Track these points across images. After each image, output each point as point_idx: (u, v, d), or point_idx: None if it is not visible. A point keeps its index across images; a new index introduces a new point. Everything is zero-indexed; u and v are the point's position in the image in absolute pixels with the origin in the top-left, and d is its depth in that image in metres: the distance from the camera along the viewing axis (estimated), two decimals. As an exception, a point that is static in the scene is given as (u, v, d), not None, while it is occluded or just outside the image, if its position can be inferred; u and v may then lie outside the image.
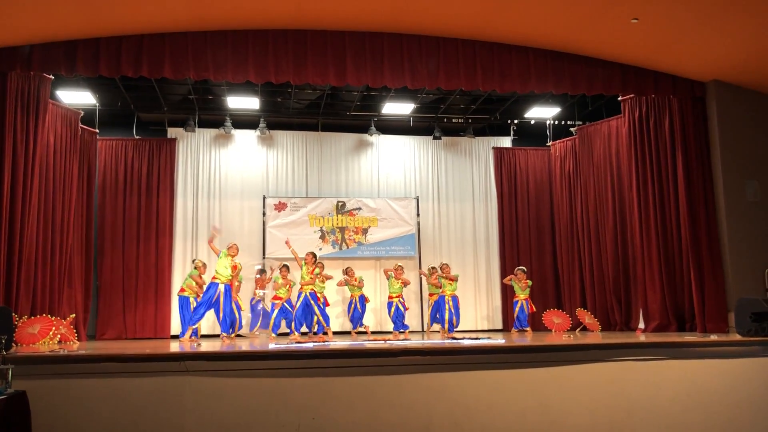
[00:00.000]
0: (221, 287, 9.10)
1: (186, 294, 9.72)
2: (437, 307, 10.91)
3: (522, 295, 11.10)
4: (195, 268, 9.89)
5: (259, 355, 6.36)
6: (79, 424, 5.62)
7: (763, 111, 9.65)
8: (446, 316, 10.60)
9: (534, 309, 11.21)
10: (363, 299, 10.91)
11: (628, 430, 6.37)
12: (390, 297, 10.82)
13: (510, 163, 12.93)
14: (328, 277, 10.74)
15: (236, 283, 9.91)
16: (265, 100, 11.65)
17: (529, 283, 11.20)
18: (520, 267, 11.48)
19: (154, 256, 11.31)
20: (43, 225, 9.28)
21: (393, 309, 10.71)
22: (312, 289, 9.81)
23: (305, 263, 9.88)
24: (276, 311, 10.08)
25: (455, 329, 10.70)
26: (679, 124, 9.66)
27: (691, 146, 9.57)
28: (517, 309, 11.08)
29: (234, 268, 9.33)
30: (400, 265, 11.06)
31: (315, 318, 9.81)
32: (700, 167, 9.52)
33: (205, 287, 9.41)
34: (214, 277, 9.18)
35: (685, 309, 9.61)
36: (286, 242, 10.24)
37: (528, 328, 10.99)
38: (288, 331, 9.95)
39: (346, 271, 11.00)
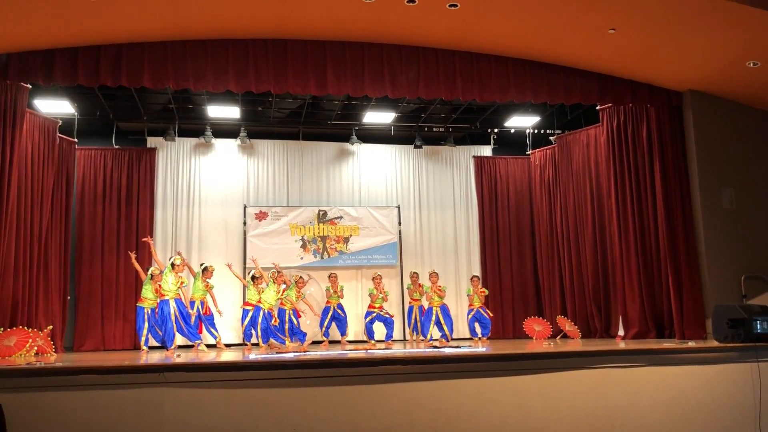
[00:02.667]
0: (172, 303, 9.26)
1: (143, 305, 9.51)
2: (418, 315, 10.90)
3: (476, 303, 10.99)
4: (151, 276, 9.49)
5: (238, 366, 6.32)
6: (56, 438, 5.55)
7: (738, 120, 9.81)
8: (445, 328, 10.54)
9: (491, 315, 11.13)
10: (342, 307, 10.88)
11: (608, 437, 6.42)
12: (371, 306, 10.80)
13: (490, 172, 13.00)
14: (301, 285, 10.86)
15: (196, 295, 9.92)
16: (246, 109, 11.63)
17: (486, 291, 11.13)
18: (475, 274, 11.51)
19: (133, 266, 11.18)
20: (20, 236, 9.16)
21: (370, 318, 10.71)
22: (270, 308, 9.96)
23: (273, 282, 9.97)
24: (247, 320, 10.02)
25: (451, 338, 10.66)
26: (657, 133, 9.79)
27: (668, 155, 9.71)
28: (469, 317, 11.01)
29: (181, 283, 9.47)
30: (378, 274, 11.04)
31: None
32: (677, 175, 9.65)
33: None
34: (162, 295, 9.26)
35: (663, 316, 9.71)
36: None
37: (476, 338, 10.92)
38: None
39: (329, 278, 10.99)
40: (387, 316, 10.73)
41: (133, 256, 9.85)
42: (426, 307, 10.88)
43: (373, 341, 10.53)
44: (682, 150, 9.77)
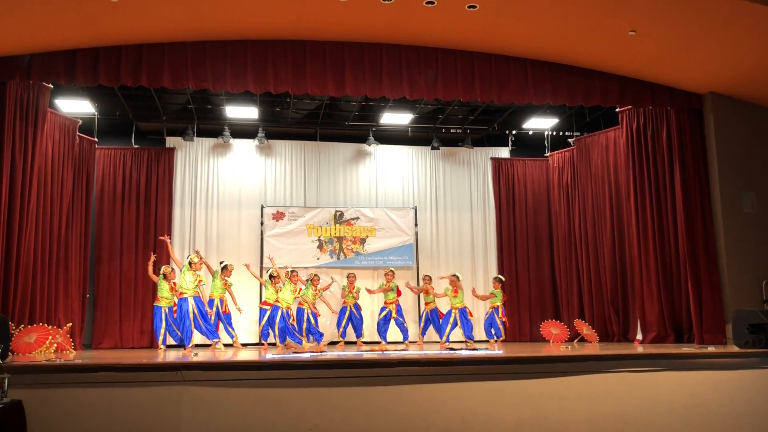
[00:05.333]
0: (191, 300, 9.33)
1: (160, 304, 9.54)
2: (432, 318, 10.86)
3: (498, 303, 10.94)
4: (164, 275, 9.46)
5: (256, 365, 6.35)
6: (75, 434, 5.60)
7: (760, 123, 9.70)
8: (461, 332, 10.50)
9: (504, 318, 11.02)
10: (358, 308, 10.89)
11: (625, 442, 6.37)
12: (385, 303, 10.77)
13: (508, 174, 12.95)
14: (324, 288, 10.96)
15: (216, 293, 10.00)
16: (264, 109, 11.67)
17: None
18: (497, 276, 11.43)
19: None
20: (40, 234, 9.27)
21: (383, 315, 10.69)
22: (288, 307, 9.95)
23: (289, 281, 10.00)
24: (264, 319, 10.06)
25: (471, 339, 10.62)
26: (677, 136, 9.71)
27: (689, 158, 9.62)
28: (486, 318, 10.97)
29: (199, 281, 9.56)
30: (391, 270, 11.02)
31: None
32: (697, 179, 9.57)
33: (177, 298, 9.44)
34: (181, 293, 9.32)
35: (682, 320, 9.62)
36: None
37: (492, 339, 10.83)
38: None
39: (348, 278, 11.00)
40: (401, 320, 10.73)
41: (151, 261, 9.82)
42: (437, 308, 10.86)
43: (384, 342, 10.52)
44: (702, 153, 9.68)
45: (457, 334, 10.72)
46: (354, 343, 10.89)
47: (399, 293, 10.99)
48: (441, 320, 10.76)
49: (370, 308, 11.72)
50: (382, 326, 10.76)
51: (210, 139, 12.16)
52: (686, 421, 6.53)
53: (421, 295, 11.31)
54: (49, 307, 9.40)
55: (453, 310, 10.58)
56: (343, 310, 10.88)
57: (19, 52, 8.14)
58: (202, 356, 7.61)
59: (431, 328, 10.96)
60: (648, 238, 9.88)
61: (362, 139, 12.49)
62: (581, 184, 11.86)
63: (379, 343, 10.70)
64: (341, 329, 10.79)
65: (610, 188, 11.20)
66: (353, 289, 10.89)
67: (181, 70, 8.46)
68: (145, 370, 5.96)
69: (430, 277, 11.16)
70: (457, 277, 10.83)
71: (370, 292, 11.20)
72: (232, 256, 11.36)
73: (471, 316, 10.81)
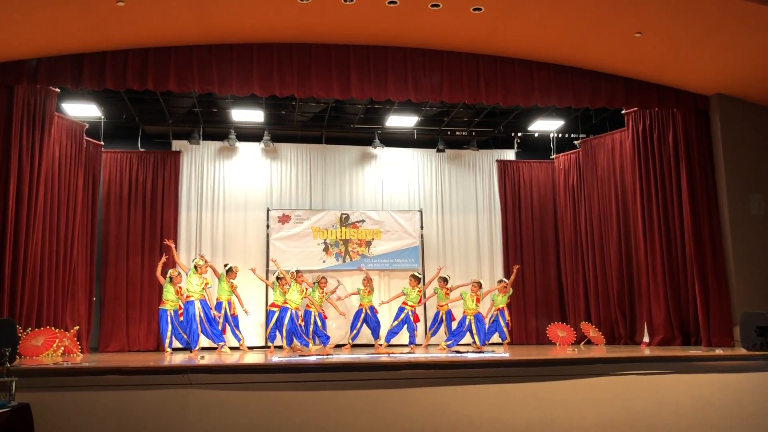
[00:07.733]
0: (197, 304, 9.41)
1: (165, 307, 9.60)
2: (442, 321, 10.83)
3: (501, 303, 10.97)
4: (170, 278, 9.61)
5: (262, 368, 6.36)
6: (82, 437, 5.62)
7: (767, 124, 9.66)
8: (475, 337, 10.48)
9: (509, 319, 11.12)
10: (374, 311, 10.82)
11: (632, 445, 6.35)
12: (404, 303, 10.68)
13: (514, 176, 12.92)
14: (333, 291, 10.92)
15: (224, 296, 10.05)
16: (270, 112, 11.69)
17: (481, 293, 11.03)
18: (502, 279, 11.42)
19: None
20: (47, 237, 9.30)
21: (402, 316, 10.63)
22: (296, 308, 9.98)
23: (294, 282, 10.00)
24: (273, 321, 10.08)
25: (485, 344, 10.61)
26: (683, 138, 9.68)
27: (695, 159, 9.60)
28: (491, 320, 10.98)
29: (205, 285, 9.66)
30: (413, 275, 10.95)
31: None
32: (704, 180, 9.54)
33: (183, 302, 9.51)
34: (187, 297, 9.40)
35: (689, 323, 9.59)
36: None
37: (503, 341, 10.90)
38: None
39: (363, 280, 10.93)
40: (414, 325, 10.69)
41: (161, 262, 9.87)
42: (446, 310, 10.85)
43: (380, 343, 10.50)
44: (709, 155, 9.65)
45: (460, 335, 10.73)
46: (371, 345, 10.83)
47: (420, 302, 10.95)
48: (453, 324, 10.76)
49: (387, 310, 11.63)
50: (397, 328, 10.64)
51: (216, 143, 12.19)
52: (693, 424, 6.51)
53: (436, 295, 11.15)
54: (56, 310, 9.42)
55: (468, 316, 10.55)
56: (358, 313, 10.74)
57: (26, 57, 8.18)
58: (208, 359, 7.62)
59: (441, 330, 10.93)
60: (655, 240, 9.85)
61: (368, 142, 12.50)
62: (587, 186, 11.84)
63: (395, 345, 10.65)
64: (354, 332, 10.71)
65: (617, 190, 11.17)
66: (368, 290, 10.79)
67: (187, 73, 8.50)
68: (151, 373, 5.97)
69: (446, 279, 11.03)
70: (479, 284, 10.86)
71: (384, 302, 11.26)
72: (238, 259, 11.37)
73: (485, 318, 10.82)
